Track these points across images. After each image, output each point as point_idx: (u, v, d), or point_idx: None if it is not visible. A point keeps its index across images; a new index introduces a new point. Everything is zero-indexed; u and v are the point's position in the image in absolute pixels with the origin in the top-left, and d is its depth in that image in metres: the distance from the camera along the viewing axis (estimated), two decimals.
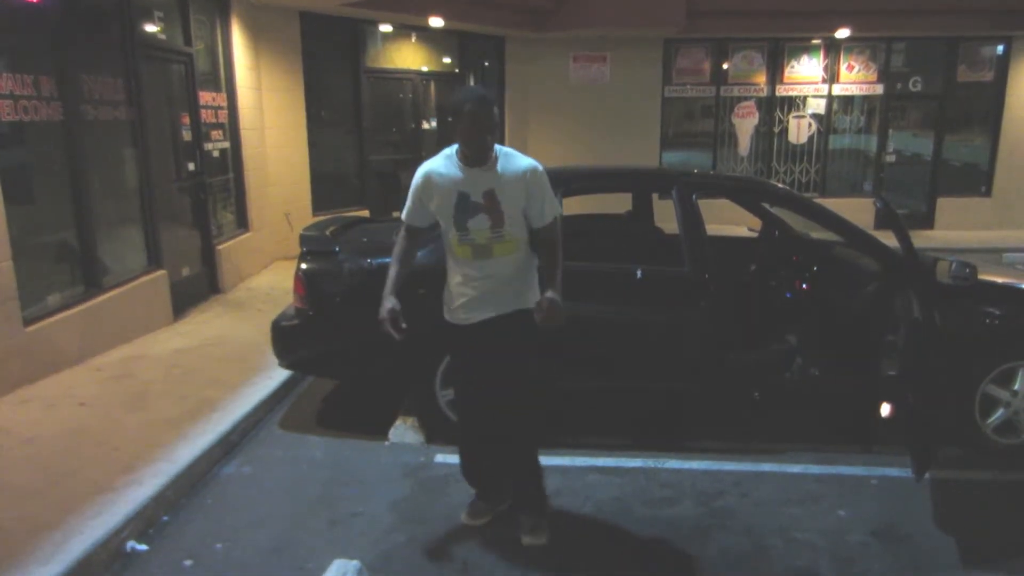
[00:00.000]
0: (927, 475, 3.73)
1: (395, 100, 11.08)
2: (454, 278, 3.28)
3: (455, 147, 3.15)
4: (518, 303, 3.23)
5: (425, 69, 11.25)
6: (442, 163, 3.16)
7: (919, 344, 3.74)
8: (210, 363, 5.53)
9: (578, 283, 4.08)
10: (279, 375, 5.18)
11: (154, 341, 6.04)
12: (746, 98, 12.63)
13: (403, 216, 3.29)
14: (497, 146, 3.14)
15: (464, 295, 3.24)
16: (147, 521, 3.55)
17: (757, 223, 5.68)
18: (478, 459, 3.60)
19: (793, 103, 12.59)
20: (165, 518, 3.65)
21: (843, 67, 12.41)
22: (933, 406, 3.71)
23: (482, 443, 3.55)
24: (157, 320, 6.40)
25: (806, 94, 12.55)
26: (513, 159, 3.14)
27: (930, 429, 3.69)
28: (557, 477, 4.04)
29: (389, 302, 3.16)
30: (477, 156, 3.07)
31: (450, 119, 3.14)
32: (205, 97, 7.63)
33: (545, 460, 3.84)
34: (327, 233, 4.76)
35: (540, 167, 3.17)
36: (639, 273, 4.37)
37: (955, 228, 12.37)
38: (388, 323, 3.13)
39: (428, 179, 3.16)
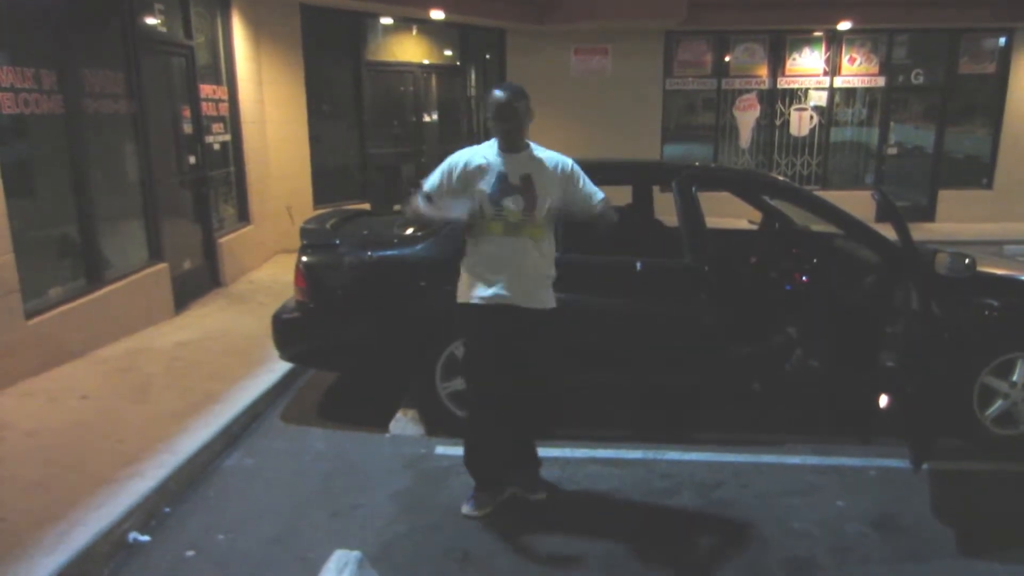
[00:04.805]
0: (925, 466, 3.76)
1: (396, 93, 11.07)
2: (480, 260, 3.41)
3: (494, 140, 3.46)
4: (543, 300, 3.47)
5: (426, 62, 11.24)
6: (483, 150, 3.44)
7: (918, 336, 3.75)
8: (212, 356, 5.54)
9: (578, 275, 4.10)
10: (280, 368, 5.20)
11: (156, 334, 6.06)
12: (747, 91, 12.60)
13: (426, 187, 3.45)
14: (533, 144, 3.47)
15: (492, 274, 3.38)
16: (149, 512, 3.57)
17: (758, 216, 5.68)
18: (489, 448, 3.66)
19: (794, 96, 12.56)
20: (167, 509, 3.67)
21: (845, 59, 12.36)
22: (932, 397, 3.72)
23: (497, 430, 3.61)
24: (159, 313, 6.41)
25: (807, 87, 12.50)
26: (548, 155, 3.46)
27: (929, 420, 3.71)
28: (556, 468, 4.06)
29: (458, 206, 3.34)
30: (506, 143, 3.39)
31: (488, 115, 3.46)
32: (206, 90, 7.63)
33: (544, 451, 3.90)
34: (328, 226, 4.78)
35: (572, 161, 3.49)
36: (639, 265, 4.38)
37: (956, 221, 12.34)
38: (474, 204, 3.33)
39: (467, 163, 3.39)
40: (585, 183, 3.46)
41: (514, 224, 3.35)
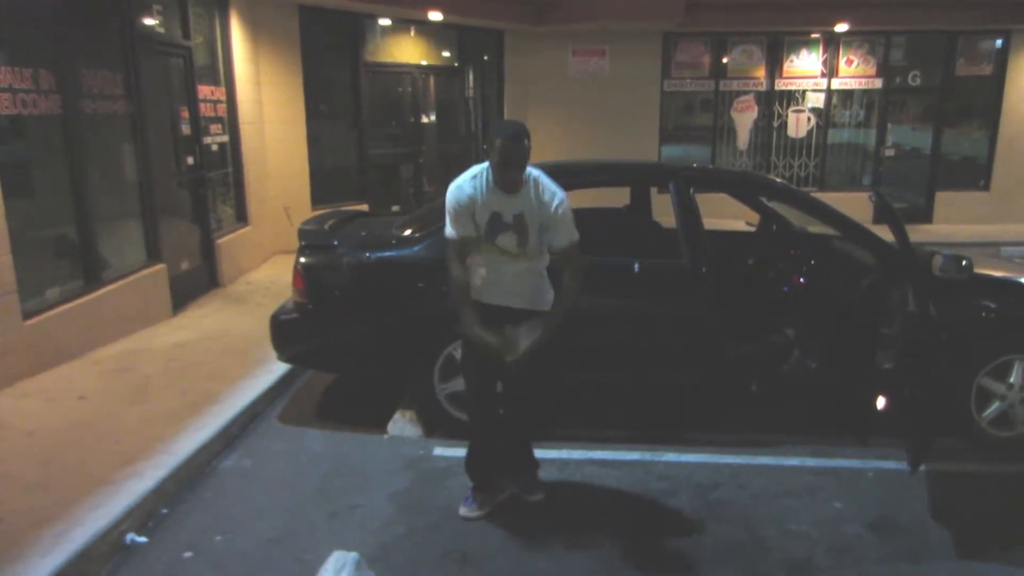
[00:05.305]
0: (923, 467, 3.76)
1: (394, 94, 11.07)
2: (480, 270, 3.42)
3: (486, 166, 3.33)
4: (542, 302, 3.47)
5: (424, 63, 11.23)
6: (474, 183, 3.34)
7: (915, 337, 3.76)
8: (210, 357, 5.54)
9: None
10: (278, 368, 5.20)
11: (153, 335, 6.05)
12: (745, 92, 12.62)
13: (452, 234, 3.34)
14: (529, 169, 3.32)
15: (492, 283, 3.42)
16: (147, 513, 3.57)
17: (755, 217, 5.69)
18: (489, 450, 3.67)
19: (792, 97, 12.58)
20: (165, 510, 3.67)
21: (842, 61, 12.39)
22: (929, 399, 3.72)
23: (495, 432, 3.63)
24: (156, 314, 6.41)
25: (805, 88, 12.52)
26: (543, 187, 3.33)
27: (926, 422, 3.71)
28: (554, 470, 4.07)
29: (488, 336, 3.30)
30: (507, 186, 3.28)
31: (484, 147, 3.29)
32: (204, 91, 7.62)
33: (542, 453, 3.90)
34: (326, 227, 4.77)
35: (566, 199, 3.35)
36: (637, 267, 4.39)
37: (954, 222, 12.37)
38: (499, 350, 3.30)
39: (469, 197, 3.31)
40: (564, 225, 3.32)
41: (509, 251, 3.36)
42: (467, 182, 3.35)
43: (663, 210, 5.11)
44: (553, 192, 3.32)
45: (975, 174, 12.74)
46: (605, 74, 12.42)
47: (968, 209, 12.53)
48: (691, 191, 4.47)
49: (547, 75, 12.19)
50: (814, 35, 12.27)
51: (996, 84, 12.34)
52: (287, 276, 5.25)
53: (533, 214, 3.30)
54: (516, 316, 3.42)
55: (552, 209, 3.29)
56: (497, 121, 3.21)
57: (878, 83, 12.44)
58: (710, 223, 4.58)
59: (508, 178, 3.25)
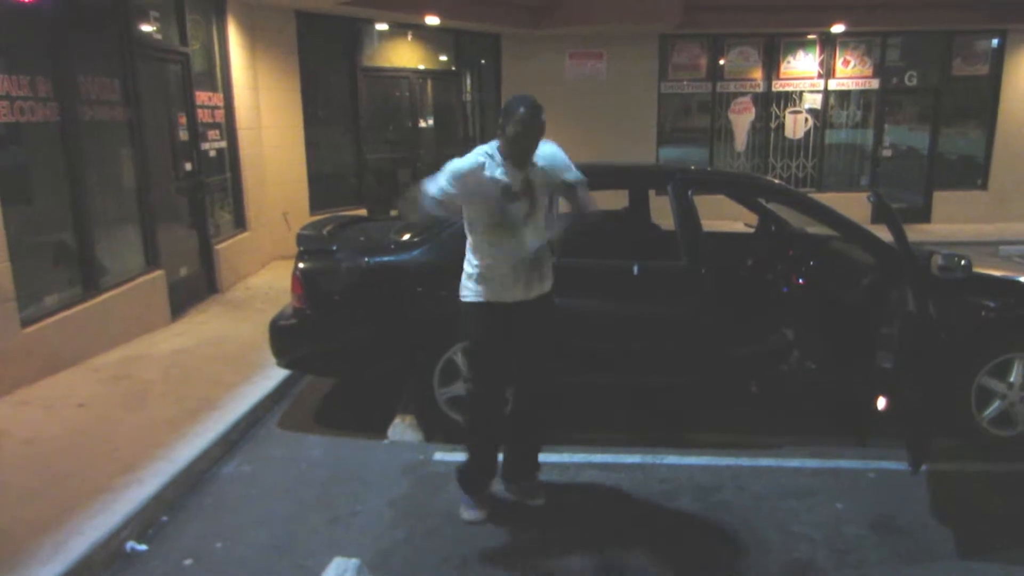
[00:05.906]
0: (924, 467, 3.76)
1: (392, 98, 11.08)
2: (493, 259, 3.40)
3: (494, 145, 3.39)
4: (547, 285, 3.56)
5: (422, 67, 11.24)
6: (482, 157, 3.35)
7: (915, 337, 3.75)
8: (209, 363, 5.53)
9: (575, 279, 4.12)
10: (278, 374, 5.19)
11: (152, 341, 6.05)
12: (742, 93, 12.63)
13: (435, 192, 3.32)
14: None
15: (510, 272, 3.41)
16: (147, 521, 3.56)
17: (754, 219, 5.70)
18: (491, 459, 3.67)
19: (789, 98, 12.59)
20: (165, 518, 3.66)
21: (839, 62, 12.40)
22: (929, 399, 3.72)
23: (500, 437, 3.64)
24: (155, 320, 6.40)
25: (802, 89, 12.54)
26: (539, 150, 3.41)
27: (926, 422, 3.71)
28: (555, 473, 4.05)
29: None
30: (523, 160, 3.35)
31: (500, 120, 3.37)
32: (202, 97, 7.63)
33: (542, 457, 3.88)
34: (324, 232, 4.78)
35: (554, 145, 3.47)
36: (636, 269, 4.39)
37: (952, 221, 12.38)
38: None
39: (474, 172, 3.31)
40: (570, 164, 3.45)
41: (520, 225, 3.38)
42: (477, 153, 3.37)
43: (662, 212, 5.11)
44: (544, 149, 3.41)
45: (973, 173, 12.77)
46: (602, 77, 12.43)
47: (966, 208, 12.55)
48: (689, 193, 4.47)
49: (544, 78, 12.19)
50: (811, 36, 12.29)
51: (992, 83, 12.37)
52: (286, 282, 5.24)
53: (538, 176, 3.39)
54: (529, 307, 3.47)
55: (552, 153, 3.41)
56: (512, 96, 3.25)
57: (875, 83, 12.46)
58: (708, 225, 4.58)
59: (527, 149, 3.32)
